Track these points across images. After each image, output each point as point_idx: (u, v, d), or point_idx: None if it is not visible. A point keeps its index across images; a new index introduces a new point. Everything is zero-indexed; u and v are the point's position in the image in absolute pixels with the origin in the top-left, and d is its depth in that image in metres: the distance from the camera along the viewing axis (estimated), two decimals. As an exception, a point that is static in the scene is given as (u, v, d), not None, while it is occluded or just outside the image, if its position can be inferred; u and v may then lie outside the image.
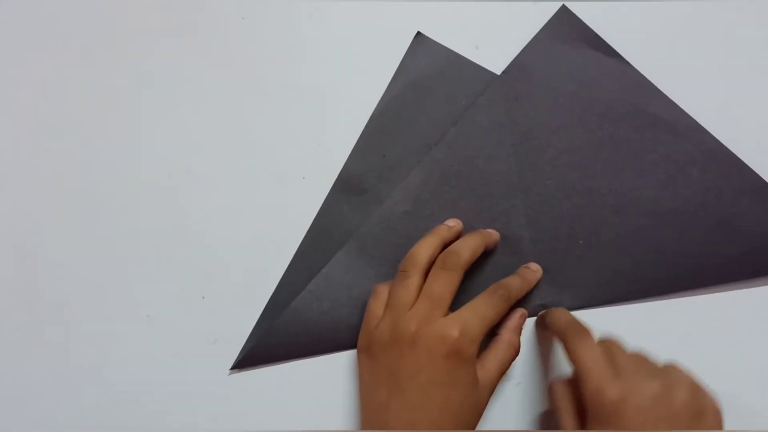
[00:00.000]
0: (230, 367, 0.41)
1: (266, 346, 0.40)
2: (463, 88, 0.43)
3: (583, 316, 0.39)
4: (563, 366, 0.41)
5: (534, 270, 0.40)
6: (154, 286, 0.42)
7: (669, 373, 0.34)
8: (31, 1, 0.46)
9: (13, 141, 0.44)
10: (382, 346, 0.36)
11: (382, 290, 0.39)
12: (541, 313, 0.40)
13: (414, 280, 0.37)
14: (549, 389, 0.37)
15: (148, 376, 0.41)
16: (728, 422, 0.34)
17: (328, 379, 0.41)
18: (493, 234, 0.40)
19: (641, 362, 0.34)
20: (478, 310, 0.36)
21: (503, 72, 0.43)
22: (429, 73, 0.42)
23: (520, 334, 0.39)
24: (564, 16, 0.43)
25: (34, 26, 0.46)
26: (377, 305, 0.38)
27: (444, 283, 0.36)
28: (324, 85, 0.44)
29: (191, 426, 0.40)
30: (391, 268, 0.41)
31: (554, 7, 0.44)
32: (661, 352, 0.35)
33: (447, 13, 0.45)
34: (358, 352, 0.38)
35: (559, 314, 0.38)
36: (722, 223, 0.40)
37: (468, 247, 0.38)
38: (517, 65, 0.43)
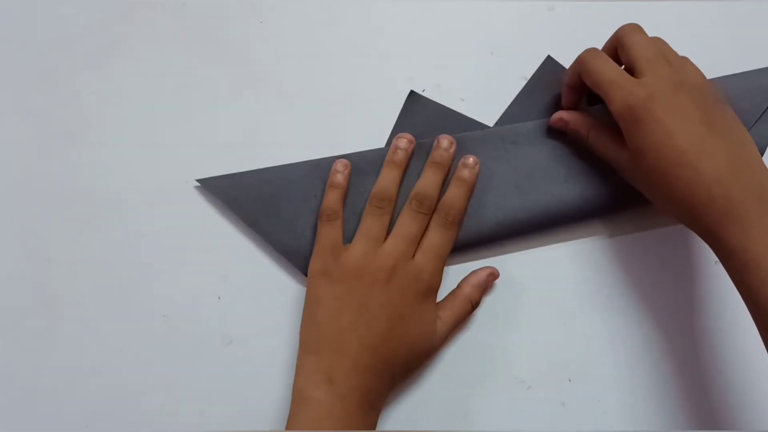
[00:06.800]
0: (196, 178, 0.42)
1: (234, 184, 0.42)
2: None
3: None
4: (573, 365, 0.41)
5: (472, 165, 0.41)
6: (171, 286, 0.42)
7: (686, 64, 0.38)
8: (43, 3, 0.46)
9: (30, 145, 0.44)
10: (352, 274, 0.38)
11: (334, 216, 0.40)
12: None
13: (389, 216, 0.40)
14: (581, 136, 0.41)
15: (164, 376, 0.41)
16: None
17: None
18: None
19: (656, 54, 0.37)
20: (438, 249, 0.40)
21: (496, 124, 0.44)
22: (425, 131, 0.43)
23: (482, 292, 0.42)
24: (550, 65, 0.45)
25: (47, 28, 0.46)
26: (334, 232, 0.40)
27: (418, 227, 0.40)
28: (341, 89, 0.45)
29: (205, 426, 0.41)
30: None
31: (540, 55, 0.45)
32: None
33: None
34: (314, 276, 0.39)
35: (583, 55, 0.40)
36: None
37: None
38: (507, 117, 0.44)
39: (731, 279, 0.35)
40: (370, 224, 0.40)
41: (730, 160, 0.34)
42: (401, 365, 0.38)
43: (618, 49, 0.39)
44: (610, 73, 0.37)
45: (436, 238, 0.40)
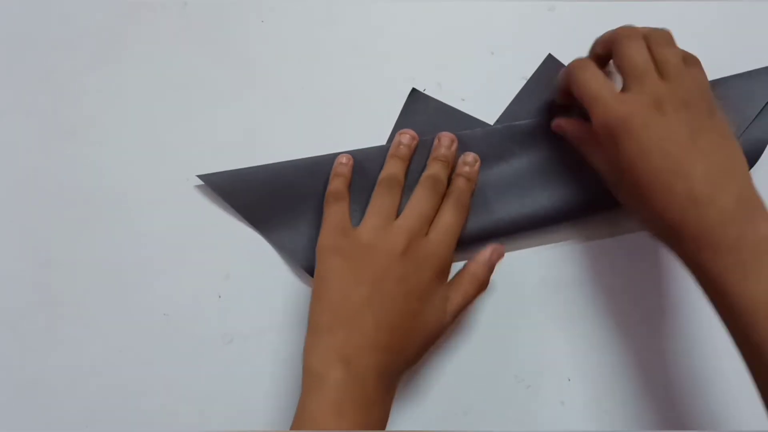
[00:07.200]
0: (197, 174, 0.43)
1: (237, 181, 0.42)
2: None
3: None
4: (573, 364, 0.41)
5: (472, 163, 0.41)
6: (172, 285, 0.42)
7: (678, 77, 0.35)
8: (43, 3, 0.46)
9: (31, 143, 0.44)
10: (365, 248, 0.37)
11: (341, 197, 0.39)
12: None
13: (398, 195, 0.39)
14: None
15: (164, 375, 0.41)
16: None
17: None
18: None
19: (646, 66, 0.36)
20: (452, 228, 0.39)
21: (496, 122, 0.44)
22: (426, 129, 0.43)
23: (490, 269, 0.40)
24: (550, 64, 0.45)
25: (48, 28, 0.46)
26: (342, 211, 0.39)
27: (432, 205, 0.39)
28: (342, 89, 0.45)
29: (205, 426, 0.41)
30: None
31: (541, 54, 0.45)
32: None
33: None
34: (324, 251, 0.37)
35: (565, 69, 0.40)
36: None
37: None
38: (508, 115, 0.44)
39: (710, 303, 0.33)
40: (381, 201, 0.39)
41: (709, 180, 0.33)
42: (416, 346, 0.37)
43: (612, 54, 0.38)
44: (594, 86, 0.36)
45: (450, 217, 0.39)
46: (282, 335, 0.42)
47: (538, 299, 0.43)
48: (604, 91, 0.36)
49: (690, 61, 0.37)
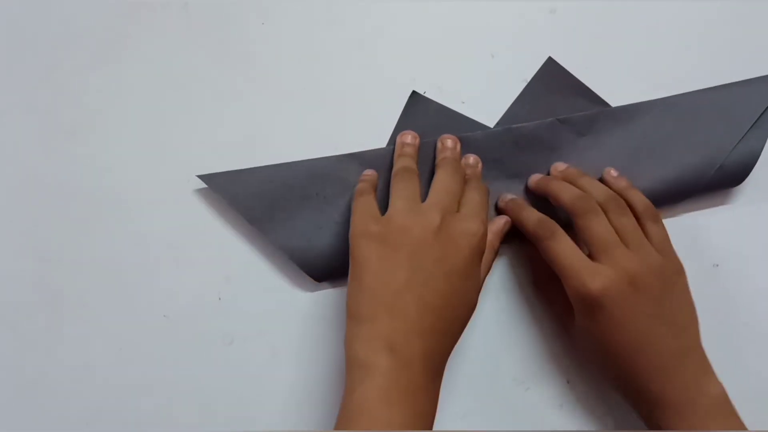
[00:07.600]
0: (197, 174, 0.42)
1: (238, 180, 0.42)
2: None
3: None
4: (572, 367, 0.42)
5: (473, 165, 0.42)
6: (172, 286, 0.42)
7: (642, 246, 0.37)
8: (45, 2, 0.46)
9: (33, 143, 0.44)
10: (398, 230, 0.35)
11: (367, 192, 0.39)
12: (506, 200, 0.42)
13: (418, 182, 0.39)
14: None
15: (164, 376, 0.42)
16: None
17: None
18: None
19: (611, 240, 0.37)
20: (481, 205, 0.38)
21: (496, 125, 0.44)
22: (426, 131, 0.43)
23: (501, 238, 0.41)
24: (551, 66, 0.45)
25: (49, 27, 0.46)
26: (369, 201, 0.38)
27: (458, 183, 0.39)
28: (342, 90, 0.45)
29: (205, 426, 0.41)
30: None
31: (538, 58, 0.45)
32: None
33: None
34: (358, 237, 0.36)
35: (527, 214, 0.40)
36: None
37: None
38: (508, 118, 0.44)
39: None
40: (404, 186, 0.38)
41: (671, 351, 0.36)
42: (459, 325, 0.36)
43: (573, 224, 0.38)
44: (566, 259, 0.37)
45: (477, 195, 0.38)
46: (282, 337, 0.42)
47: (537, 300, 0.43)
48: (577, 261, 0.36)
49: (648, 215, 0.38)
